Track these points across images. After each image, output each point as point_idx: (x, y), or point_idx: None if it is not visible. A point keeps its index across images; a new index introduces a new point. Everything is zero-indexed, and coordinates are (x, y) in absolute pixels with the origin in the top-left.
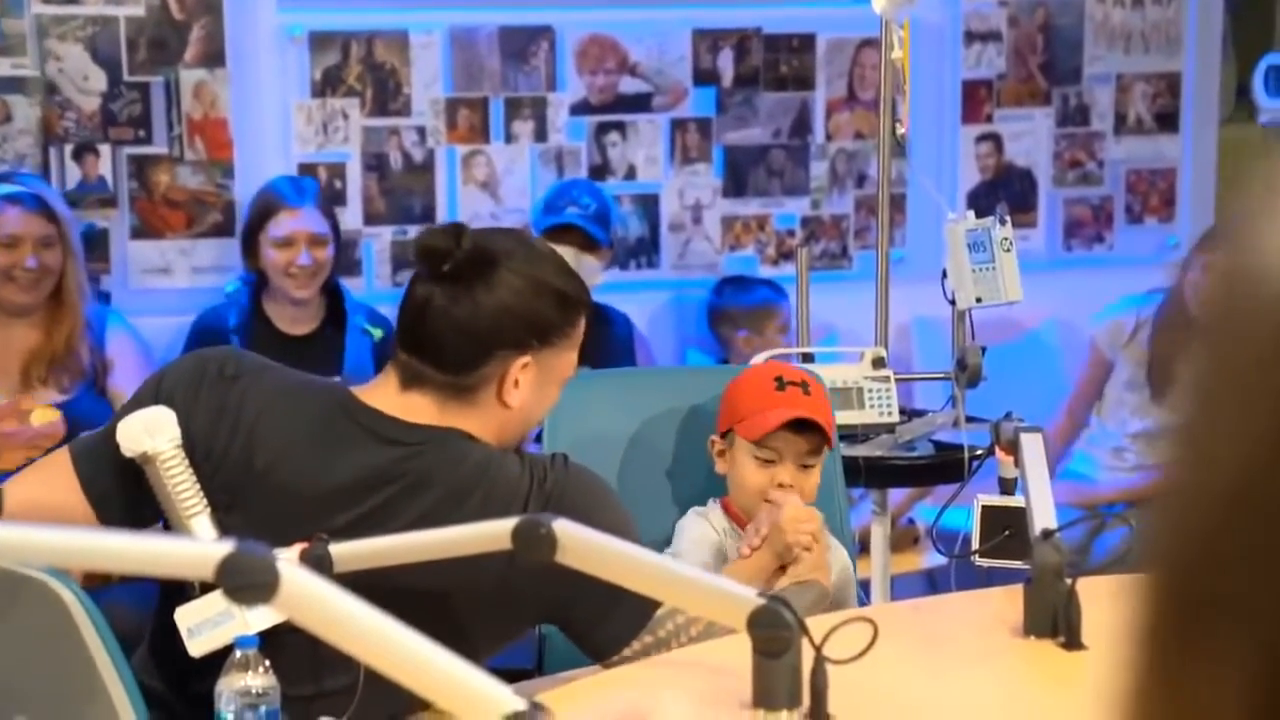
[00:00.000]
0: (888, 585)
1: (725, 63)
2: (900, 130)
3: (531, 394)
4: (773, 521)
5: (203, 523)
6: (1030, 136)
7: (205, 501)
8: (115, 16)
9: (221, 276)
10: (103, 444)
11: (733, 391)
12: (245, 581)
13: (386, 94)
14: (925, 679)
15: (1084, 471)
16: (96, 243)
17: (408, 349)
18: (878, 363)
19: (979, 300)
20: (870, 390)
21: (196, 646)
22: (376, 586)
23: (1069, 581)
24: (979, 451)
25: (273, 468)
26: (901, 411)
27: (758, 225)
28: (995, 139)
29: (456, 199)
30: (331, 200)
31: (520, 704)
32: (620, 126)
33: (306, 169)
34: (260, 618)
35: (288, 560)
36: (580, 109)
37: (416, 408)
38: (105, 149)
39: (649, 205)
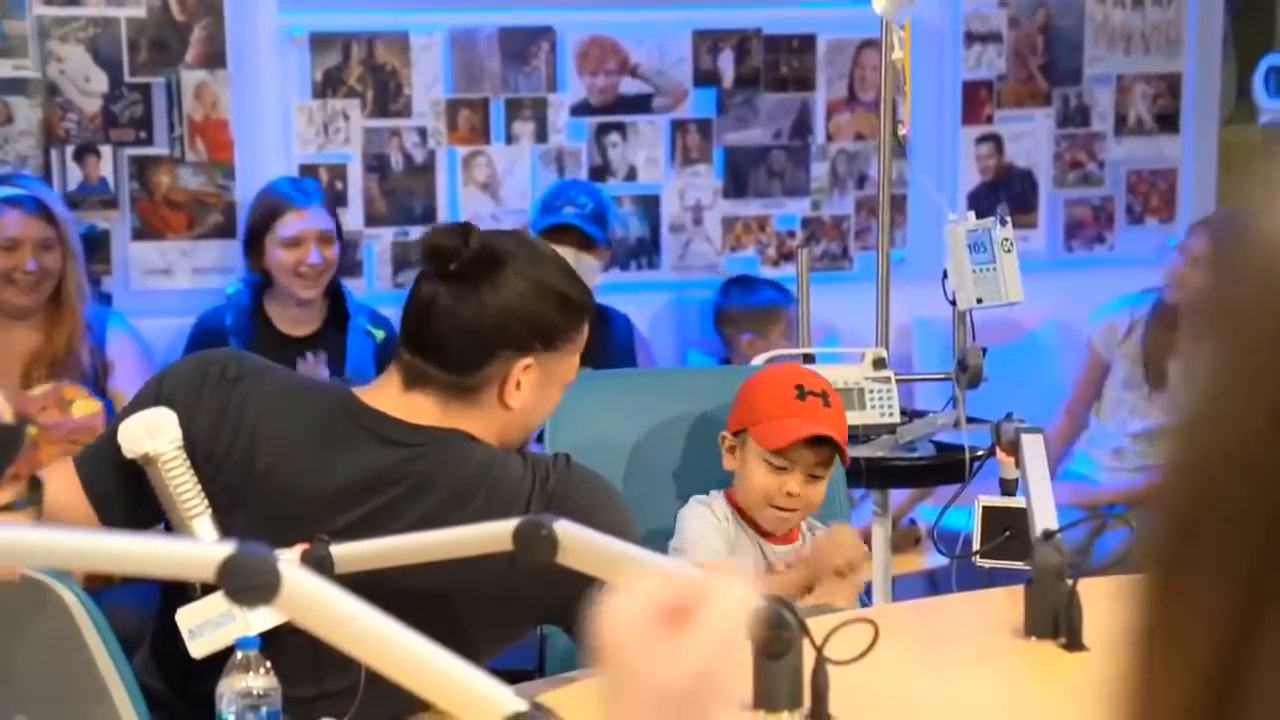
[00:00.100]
0: (889, 586)
1: (726, 64)
2: (901, 131)
3: (533, 396)
4: (818, 545)
5: (204, 524)
6: (1031, 137)
7: (206, 503)
8: (116, 18)
9: (223, 278)
10: (104, 445)
11: (751, 392)
12: (246, 583)
13: (387, 95)
14: (926, 680)
15: (1084, 472)
16: (98, 244)
17: (411, 348)
18: (878, 363)
19: (980, 301)
20: (871, 391)
21: (198, 648)
22: (377, 587)
23: (1070, 582)
24: (980, 452)
25: (274, 469)
26: (902, 412)
27: (758, 226)
28: (996, 140)
29: (457, 200)
30: (333, 201)
31: (521, 705)
32: (621, 127)
33: (307, 170)
34: (261, 619)
35: (289, 561)
36: (581, 110)
37: (419, 408)
38: (106, 150)
39: (649, 206)
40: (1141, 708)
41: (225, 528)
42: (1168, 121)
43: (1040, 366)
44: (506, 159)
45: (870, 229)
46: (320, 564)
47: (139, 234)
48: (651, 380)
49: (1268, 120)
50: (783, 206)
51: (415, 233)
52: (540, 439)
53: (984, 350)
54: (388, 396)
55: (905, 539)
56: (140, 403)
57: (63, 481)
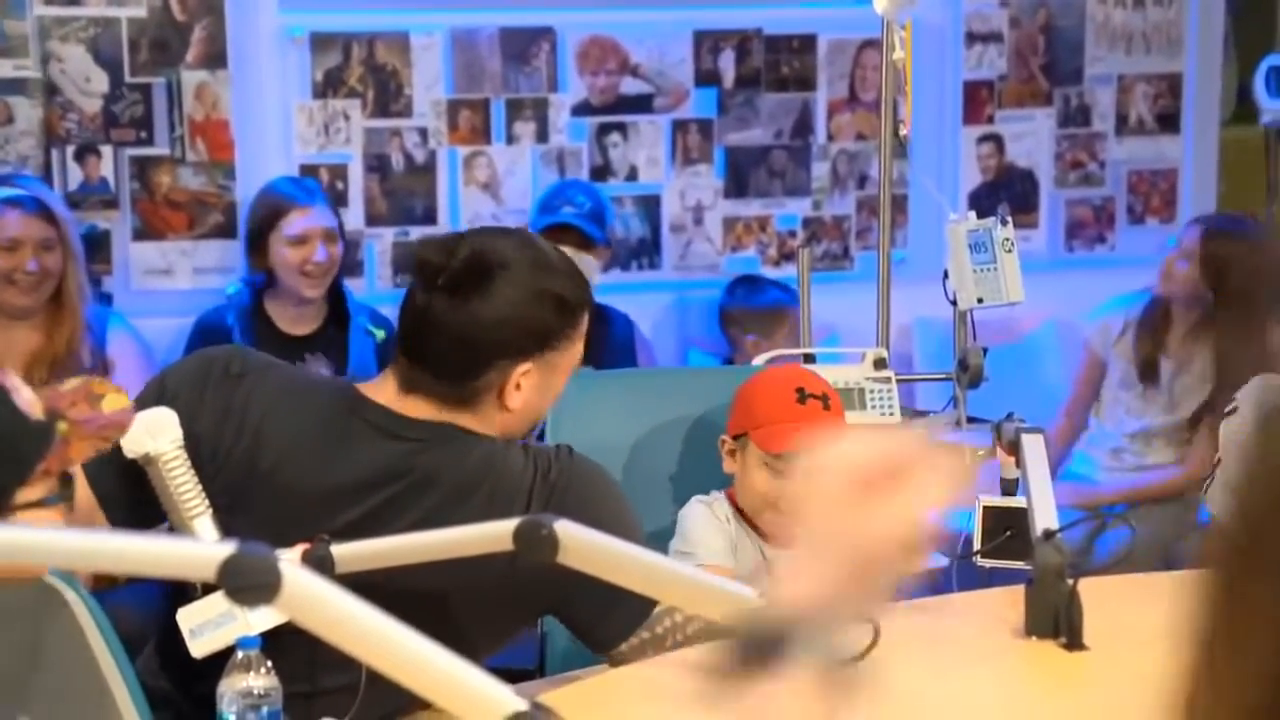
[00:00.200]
0: None
1: (726, 64)
2: (902, 131)
3: (534, 395)
4: None
5: (205, 524)
6: (1031, 137)
7: (207, 502)
8: (117, 18)
9: (223, 278)
10: None
11: (750, 395)
12: (247, 582)
13: (388, 95)
14: (927, 679)
15: (1084, 472)
16: (98, 244)
17: (407, 356)
18: (879, 363)
19: (980, 301)
20: (871, 391)
21: (198, 647)
22: (378, 586)
23: (1070, 582)
24: (980, 452)
25: (278, 467)
26: (903, 412)
27: (759, 226)
28: (996, 140)
29: (458, 200)
30: (334, 200)
31: (522, 704)
32: (621, 127)
33: (308, 170)
34: (262, 619)
35: (290, 561)
36: (581, 110)
37: (417, 410)
38: (107, 150)
39: (650, 206)
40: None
41: (229, 527)
42: (1169, 122)
43: (1041, 366)
44: (507, 159)
45: (871, 229)
46: (321, 564)
47: (139, 234)
48: (652, 380)
49: (1269, 120)
50: (783, 206)
51: (416, 233)
52: (541, 437)
53: (985, 350)
54: (390, 397)
55: None
56: (143, 402)
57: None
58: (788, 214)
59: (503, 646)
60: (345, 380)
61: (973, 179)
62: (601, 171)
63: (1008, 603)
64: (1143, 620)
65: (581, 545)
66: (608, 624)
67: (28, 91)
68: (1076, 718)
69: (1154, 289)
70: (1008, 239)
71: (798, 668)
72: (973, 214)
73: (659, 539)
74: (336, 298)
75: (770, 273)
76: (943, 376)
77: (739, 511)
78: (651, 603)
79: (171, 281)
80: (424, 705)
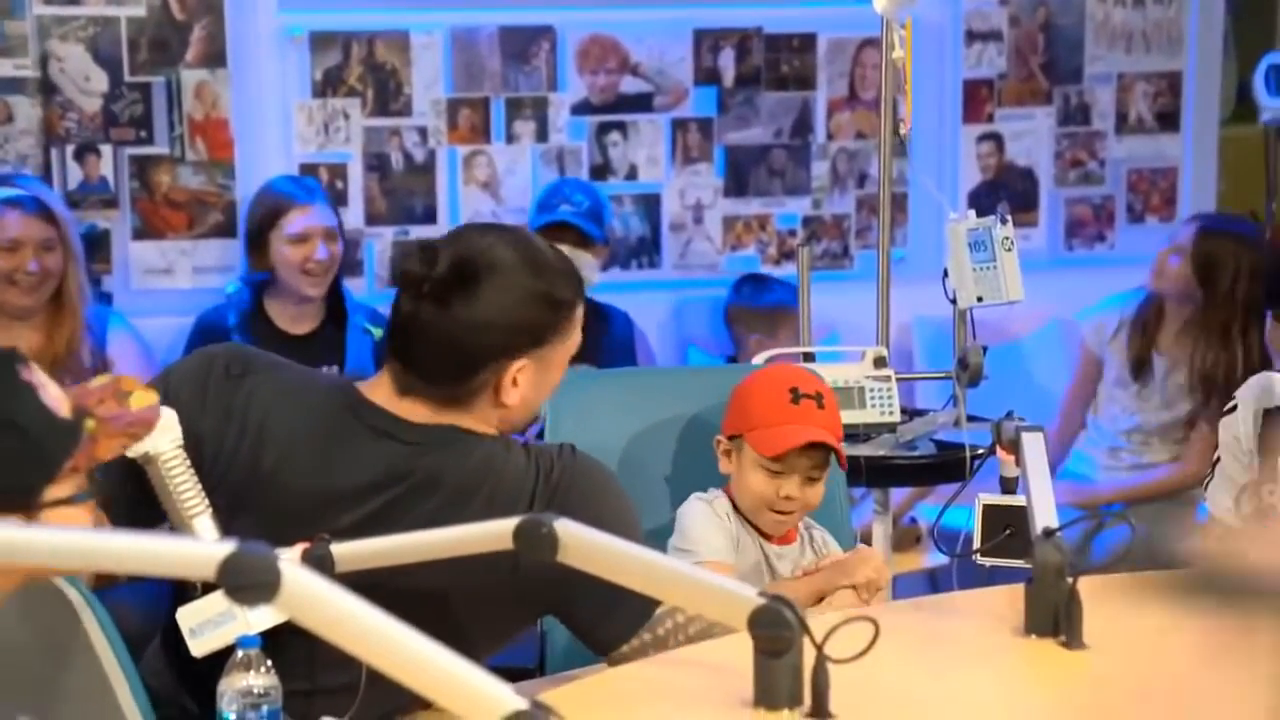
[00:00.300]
0: (889, 586)
1: (726, 62)
2: (901, 130)
3: (531, 390)
4: (844, 559)
5: (205, 523)
6: (1031, 136)
7: (207, 502)
8: (116, 17)
9: (223, 277)
10: None
11: (744, 397)
12: (247, 581)
13: (387, 94)
14: (926, 678)
15: (1082, 471)
16: (98, 243)
17: (399, 359)
18: (879, 362)
19: (980, 299)
20: (871, 389)
21: (198, 646)
22: (378, 586)
23: (1070, 580)
24: (980, 451)
25: (280, 468)
26: (903, 411)
27: (759, 225)
28: (996, 138)
29: (458, 199)
30: (333, 198)
31: (522, 703)
32: (621, 126)
33: (308, 169)
34: (262, 617)
35: (289, 560)
36: (581, 109)
37: (414, 413)
38: (106, 149)
39: (650, 205)
40: None
41: (230, 527)
42: (1168, 120)
43: (1041, 365)
44: (507, 158)
45: (871, 228)
46: (320, 563)
47: (139, 233)
48: (651, 379)
49: (1268, 119)
50: (783, 205)
51: (416, 232)
52: (540, 436)
53: (984, 349)
54: (387, 398)
55: (906, 537)
56: None
57: None
58: (787, 213)
59: (503, 647)
60: (345, 379)
61: (972, 178)
62: (601, 170)
63: (1007, 601)
64: (1142, 619)
65: (581, 544)
66: (609, 625)
67: (27, 91)
68: (1076, 716)
69: (1147, 286)
70: (1007, 238)
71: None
72: (972, 213)
73: (658, 537)
74: (335, 297)
75: (770, 272)
76: (942, 375)
77: (740, 510)
78: (653, 604)
79: (171, 281)
80: (424, 705)
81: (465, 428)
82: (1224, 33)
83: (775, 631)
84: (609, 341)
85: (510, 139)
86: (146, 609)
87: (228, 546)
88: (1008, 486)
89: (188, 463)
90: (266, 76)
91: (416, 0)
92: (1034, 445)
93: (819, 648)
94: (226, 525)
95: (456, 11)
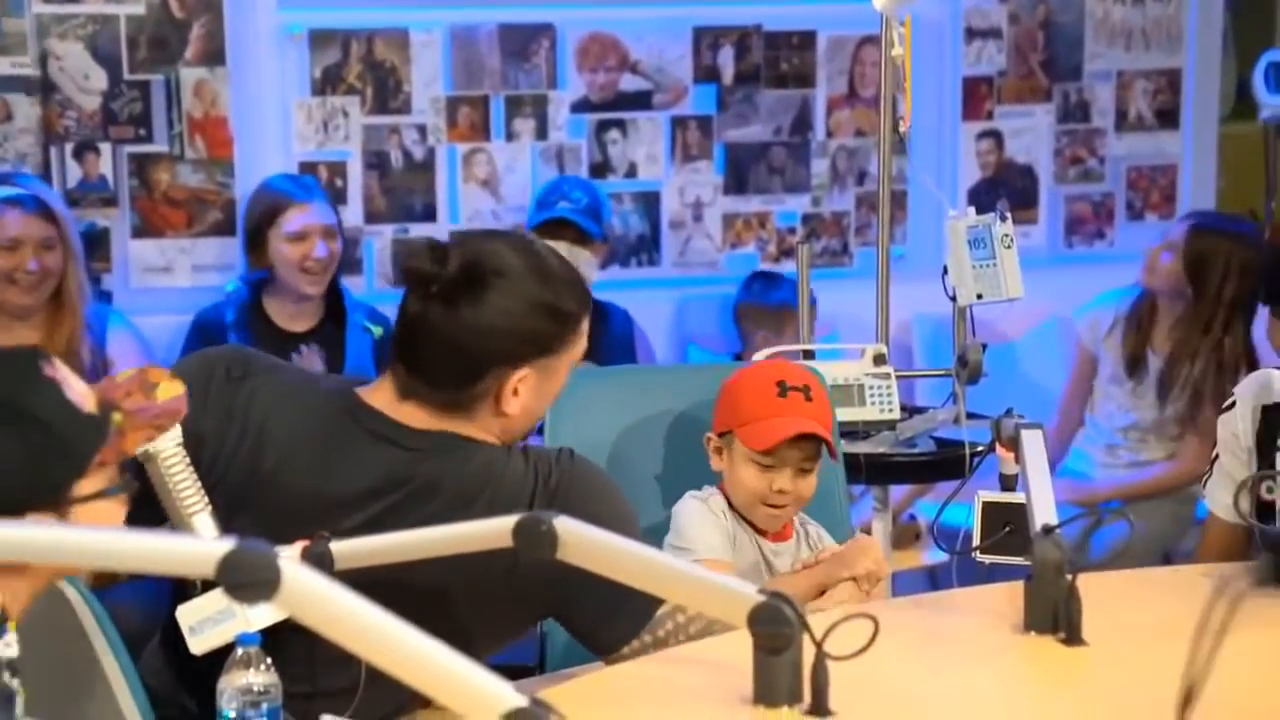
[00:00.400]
0: (889, 582)
1: (726, 60)
2: (901, 127)
3: (532, 399)
4: (842, 551)
5: (204, 521)
6: (1031, 133)
7: (206, 500)
8: (115, 15)
9: (222, 275)
10: None
11: (732, 393)
12: (246, 579)
13: (387, 92)
14: (926, 675)
15: (1080, 469)
16: (97, 242)
17: (403, 362)
18: (879, 359)
19: (980, 297)
20: (871, 387)
21: (198, 644)
22: (378, 584)
23: (1069, 577)
24: (980, 448)
25: (280, 469)
26: (902, 408)
27: (759, 222)
28: (996, 136)
29: (457, 197)
30: (332, 197)
31: (521, 701)
32: (621, 124)
33: (307, 167)
34: (262, 615)
35: (289, 558)
36: (581, 107)
37: (415, 418)
38: (106, 148)
39: (650, 203)
40: None
41: (231, 528)
42: (1168, 117)
43: (1040, 363)
44: (507, 156)
45: (870, 225)
46: (320, 560)
47: (139, 231)
48: (651, 377)
49: (1268, 116)
50: (783, 203)
51: (415, 230)
52: (540, 432)
53: (984, 346)
54: (388, 402)
55: (905, 535)
56: None
57: None
58: (787, 210)
59: (502, 647)
60: (345, 381)
61: (972, 175)
62: (601, 168)
63: (1007, 598)
64: (1141, 615)
65: (580, 541)
66: (611, 628)
67: (26, 89)
68: (1075, 713)
69: (1140, 282)
70: (1007, 235)
71: None
72: (972, 210)
73: (655, 535)
74: (334, 295)
75: (769, 269)
76: (942, 372)
77: (735, 507)
78: (654, 605)
79: (171, 279)
80: (424, 704)
81: (465, 435)
82: (1223, 30)
83: (775, 628)
84: (608, 339)
85: (510, 137)
86: (146, 607)
87: (227, 544)
88: (1007, 484)
89: (187, 461)
90: (266, 74)
91: None
92: (1033, 442)
93: (819, 645)
94: (226, 526)
95: (456, 9)
